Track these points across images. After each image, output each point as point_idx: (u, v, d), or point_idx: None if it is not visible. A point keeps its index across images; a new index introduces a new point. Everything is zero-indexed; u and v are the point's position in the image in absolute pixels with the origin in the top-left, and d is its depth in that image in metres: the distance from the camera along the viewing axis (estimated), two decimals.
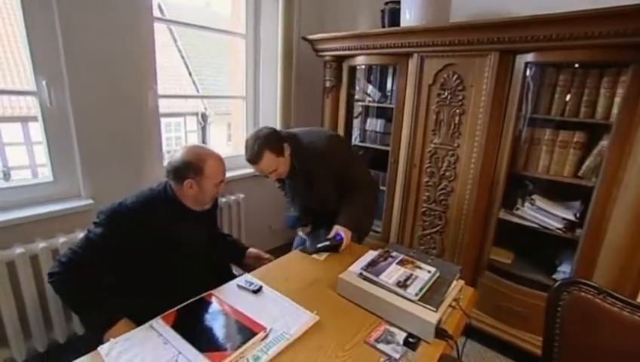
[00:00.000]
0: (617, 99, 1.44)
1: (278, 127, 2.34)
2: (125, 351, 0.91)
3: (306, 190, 1.58)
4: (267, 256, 1.48)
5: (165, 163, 1.23)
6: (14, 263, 1.41)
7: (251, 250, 1.49)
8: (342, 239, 1.45)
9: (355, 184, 1.56)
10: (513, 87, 1.67)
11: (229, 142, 7.39)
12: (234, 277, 1.33)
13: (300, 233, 1.58)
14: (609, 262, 1.47)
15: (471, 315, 1.15)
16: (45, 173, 1.64)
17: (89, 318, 1.10)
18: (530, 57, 1.59)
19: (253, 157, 1.37)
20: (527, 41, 1.52)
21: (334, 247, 1.44)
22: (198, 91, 7.54)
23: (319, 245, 1.44)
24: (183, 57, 7.54)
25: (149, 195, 1.20)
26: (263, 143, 1.35)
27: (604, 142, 1.50)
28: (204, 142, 7.75)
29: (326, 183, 1.54)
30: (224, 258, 1.49)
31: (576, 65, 1.55)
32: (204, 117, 7.67)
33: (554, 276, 1.74)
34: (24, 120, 5.55)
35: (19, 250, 1.41)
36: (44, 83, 1.49)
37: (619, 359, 0.94)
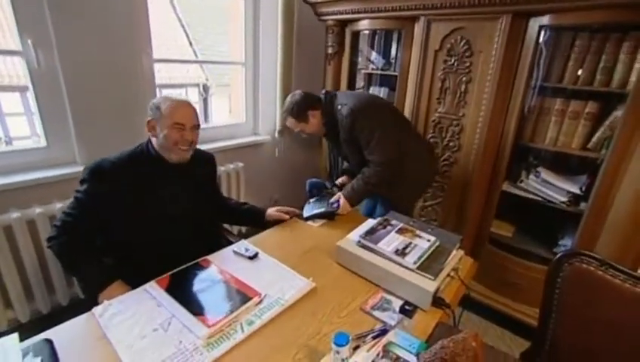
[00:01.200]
0: (637, 66, 1.36)
1: (278, 95, 2.30)
2: (119, 313, 0.91)
3: (337, 149, 1.74)
4: (289, 210, 1.47)
5: None
6: (12, 227, 1.41)
7: (270, 211, 1.46)
8: (337, 207, 1.46)
9: (370, 158, 1.53)
10: (524, 53, 1.58)
11: (232, 113, 7.28)
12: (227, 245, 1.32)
13: (310, 201, 1.57)
14: (612, 235, 1.45)
15: (469, 285, 1.13)
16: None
17: (85, 278, 1.10)
18: (545, 20, 1.48)
19: (281, 120, 1.65)
20: (543, 1, 1.42)
21: (328, 214, 1.45)
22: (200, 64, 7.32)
23: (313, 211, 1.45)
24: (182, 26, 7.28)
25: (132, 151, 1.20)
26: (287, 110, 1.59)
27: (617, 113, 1.43)
28: (205, 113, 7.63)
29: (349, 147, 1.61)
30: (244, 223, 1.54)
31: (595, 29, 1.45)
32: (205, 88, 7.51)
33: (555, 250, 1.72)
34: (23, 89, 5.45)
35: (15, 215, 1.41)
36: (29, 42, 1.42)
37: (617, 331, 0.93)
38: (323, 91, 1.67)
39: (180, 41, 7.23)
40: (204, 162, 1.37)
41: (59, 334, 0.83)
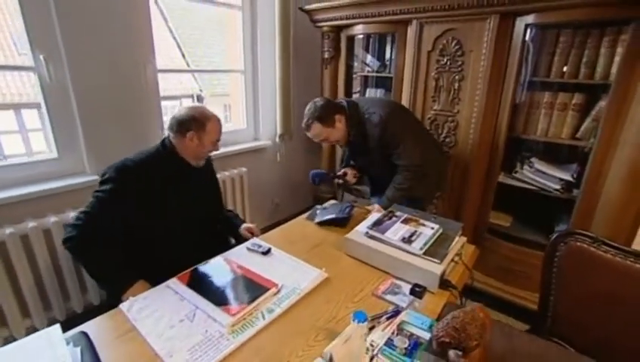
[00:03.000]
0: (617, 59, 1.45)
1: (278, 101, 2.37)
2: (145, 308, 0.96)
3: (362, 157, 1.71)
4: (254, 232, 1.45)
5: (169, 117, 1.29)
6: (28, 236, 1.45)
7: (242, 227, 1.48)
8: (348, 215, 1.47)
9: (400, 163, 1.54)
10: (513, 50, 1.67)
11: (226, 123, 7.34)
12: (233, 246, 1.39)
13: (317, 206, 1.59)
14: (604, 217, 1.52)
15: (473, 271, 1.20)
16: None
17: (108, 278, 1.14)
18: (530, 19, 1.58)
19: (305, 126, 1.53)
20: (527, 1, 1.51)
21: (340, 221, 1.45)
22: (192, 74, 7.39)
23: (325, 217, 1.46)
24: (174, 38, 7.36)
25: (149, 152, 1.27)
26: (313, 114, 1.49)
27: (602, 103, 1.52)
28: None
29: (377, 154, 1.58)
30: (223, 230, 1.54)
31: (577, 26, 1.54)
32: (199, 99, 7.57)
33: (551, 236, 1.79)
34: (16, 107, 5.48)
35: (31, 224, 1.45)
36: (41, 57, 1.48)
37: (612, 303, 1.00)
38: (342, 99, 1.65)
39: (172, 53, 7.31)
40: (207, 164, 1.45)
41: (90, 328, 0.88)
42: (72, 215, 1.55)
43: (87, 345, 0.78)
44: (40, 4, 1.43)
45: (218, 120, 1.29)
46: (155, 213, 1.21)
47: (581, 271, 1.04)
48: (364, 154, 1.64)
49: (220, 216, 1.52)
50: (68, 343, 0.74)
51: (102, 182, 1.18)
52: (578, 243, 1.04)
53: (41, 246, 1.49)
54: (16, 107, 5.44)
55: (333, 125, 1.52)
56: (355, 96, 2.42)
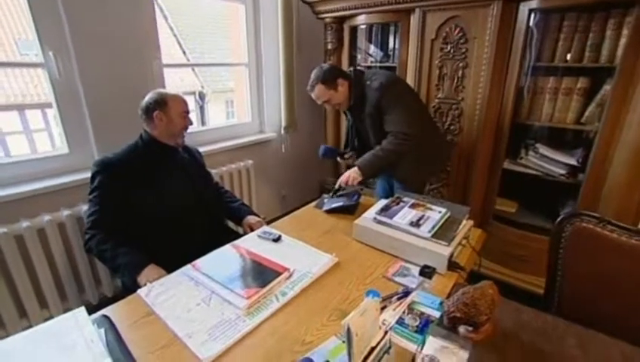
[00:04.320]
0: (623, 41, 1.45)
1: (282, 93, 2.39)
2: (162, 293, 0.99)
3: (358, 124, 1.75)
4: (253, 226, 1.46)
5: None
6: (44, 230, 1.49)
7: (246, 219, 1.50)
8: (356, 203, 1.49)
9: (390, 130, 1.57)
10: (516, 36, 1.67)
11: (228, 120, 7.35)
12: (237, 234, 1.46)
13: (325, 195, 1.61)
14: (610, 200, 1.54)
15: (480, 256, 1.22)
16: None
17: (122, 265, 1.18)
18: (534, 4, 1.58)
19: (310, 87, 1.62)
20: None
21: (348, 208, 1.47)
22: (193, 70, 7.39)
23: (333, 205, 1.48)
24: (175, 35, 7.35)
25: (127, 147, 1.35)
26: (318, 77, 1.58)
27: (607, 87, 1.52)
28: (203, 120, 7.70)
29: (372, 121, 1.63)
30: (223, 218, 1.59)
31: (581, 9, 1.54)
32: (201, 95, 7.58)
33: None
34: (20, 108, 5.53)
35: (47, 218, 1.49)
36: (51, 54, 1.50)
37: (618, 283, 1.02)
38: (350, 68, 1.73)
39: (173, 50, 7.31)
40: (192, 151, 1.54)
41: (110, 313, 0.91)
42: (84, 208, 1.59)
43: (110, 326, 0.81)
44: (49, 2, 1.45)
45: (178, 95, 1.37)
46: (148, 196, 1.27)
47: (587, 251, 1.06)
48: (362, 121, 1.68)
49: (218, 200, 1.57)
50: (92, 324, 0.78)
51: (91, 181, 1.27)
52: (584, 224, 1.06)
53: (57, 239, 1.53)
54: (20, 108, 5.50)
55: (336, 88, 1.58)
56: None
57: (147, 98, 1.33)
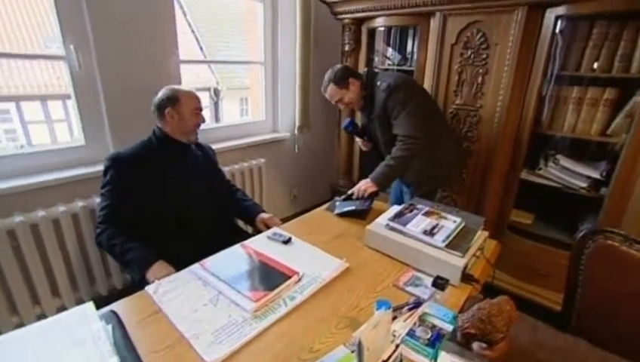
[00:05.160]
0: None
1: (297, 93, 2.39)
2: (170, 291, 0.98)
3: (369, 124, 1.78)
4: (269, 224, 1.43)
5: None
6: (59, 220, 1.51)
7: (260, 217, 1.48)
8: (368, 207, 1.47)
9: (397, 132, 1.58)
10: (541, 43, 1.62)
11: (242, 117, 7.40)
12: (247, 233, 1.48)
13: (337, 198, 1.60)
14: (636, 216, 1.47)
15: (494, 268, 1.18)
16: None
17: (132, 261, 1.18)
18: (561, 10, 1.52)
19: (323, 88, 1.69)
20: None
21: (360, 213, 1.45)
22: (209, 66, 7.46)
23: (344, 209, 1.46)
24: (193, 32, 7.44)
25: (141, 143, 1.35)
26: (330, 77, 1.64)
27: (638, 98, 1.46)
28: (217, 117, 7.78)
29: (380, 123, 1.67)
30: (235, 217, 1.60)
31: (612, 17, 1.48)
32: (216, 92, 7.64)
33: (575, 235, 1.74)
34: (43, 98, 5.68)
35: (61, 208, 1.51)
36: (72, 47, 1.52)
37: None
38: (365, 69, 1.77)
39: (191, 46, 7.40)
40: (205, 148, 1.54)
41: (118, 308, 0.90)
42: (97, 201, 1.61)
43: (118, 323, 0.81)
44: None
45: (191, 91, 1.36)
46: (160, 192, 1.28)
47: (610, 269, 1.02)
48: (371, 121, 1.72)
49: (229, 198, 1.56)
50: (100, 320, 0.77)
51: (103, 175, 1.27)
52: (608, 242, 1.01)
53: (70, 229, 1.55)
54: (43, 98, 5.65)
55: (347, 87, 1.63)
56: None
57: (160, 94, 1.33)
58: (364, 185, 1.56)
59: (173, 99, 1.31)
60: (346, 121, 1.84)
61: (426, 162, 1.65)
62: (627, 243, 1.00)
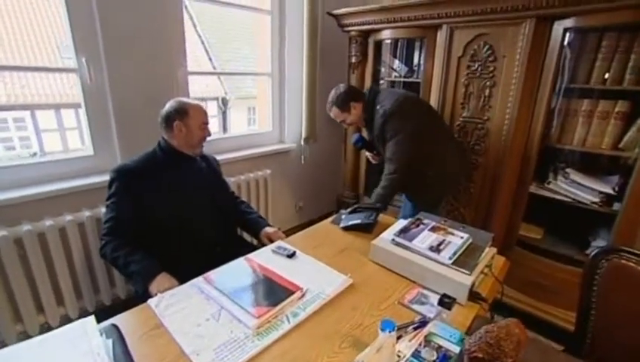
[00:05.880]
0: None
1: (304, 104, 2.40)
2: (172, 304, 0.97)
3: (372, 140, 1.84)
4: (272, 238, 1.43)
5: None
6: (65, 229, 1.52)
7: (265, 231, 1.47)
8: (374, 221, 1.46)
9: (387, 157, 1.67)
10: (549, 55, 1.60)
11: (249, 126, 7.46)
12: (251, 245, 1.48)
13: (342, 211, 1.59)
14: None
15: (502, 284, 1.15)
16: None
17: (135, 272, 1.18)
18: (569, 22, 1.51)
19: (327, 107, 1.77)
20: (567, 4, 1.45)
21: (365, 226, 1.43)
22: (218, 78, 7.57)
23: (350, 223, 1.45)
24: (203, 43, 7.58)
25: (145, 155, 1.36)
26: (333, 100, 1.74)
27: None
28: (224, 126, 7.86)
29: (379, 143, 1.74)
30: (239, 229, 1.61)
31: (623, 29, 1.46)
32: (224, 101, 7.73)
33: (587, 251, 1.70)
34: (57, 107, 5.83)
35: (68, 218, 1.53)
36: (84, 60, 1.56)
37: None
38: (368, 88, 1.83)
39: (200, 56, 7.54)
40: (209, 159, 1.54)
41: (120, 321, 0.90)
42: (104, 210, 1.62)
43: (118, 337, 0.80)
44: (85, 12, 1.52)
45: (199, 105, 1.37)
46: (164, 204, 1.28)
47: (626, 291, 0.98)
48: (372, 139, 1.80)
49: (233, 210, 1.56)
50: (101, 334, 0.77)
51: (108, 187, 1.28)
52: (623, 261, 0.98)
53: (76, 239, 1.56)
54: (57, 107, 5.80)
55: (349, 111, 1.72)
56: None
57: (168, 106, 1.34)
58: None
59: (182, 112, 1.32)
60: (355, 136, 1.90)
61: (425, 181, 1.71)
62: None
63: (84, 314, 1.67)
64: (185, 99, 1.37)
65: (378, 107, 1.66)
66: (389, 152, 1.64)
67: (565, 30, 1.53)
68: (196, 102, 1.38)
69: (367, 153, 1.95)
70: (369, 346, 0.56)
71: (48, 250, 1.49)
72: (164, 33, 1.76)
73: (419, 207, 1.63)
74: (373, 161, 1.95)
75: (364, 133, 2.04)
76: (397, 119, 1.60)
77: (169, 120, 1.32)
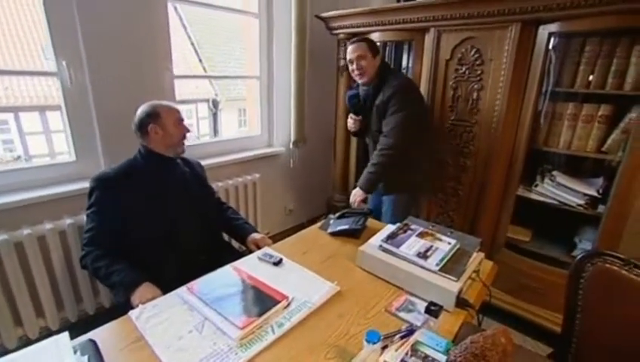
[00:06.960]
0: None
1: (292, 107, 2.38)
2: (154, 316, 0.95)
3: (366, 111, 1.82)
4: (260, 244, 1.41)
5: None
6: (45, 238, 1.47)
7: (251, 237, 1.45)
8: (362, 226, 1.45)
9: (384, 130, 1.68)
10: (535, 59, 1.61)
11: (240, 128, 7.41)
12: (237, 251, 1.45)
13: (331, 216, 1.57)
14: (635, 235, 1.44)
15: (490, 288, 1.14)
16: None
17: (116, 283, 1.14)
18: (554, 27, 1.52)
19: (357, 40, 1.75)
20: (551, 9, 1.46)
21: (353, 232, 1.42)
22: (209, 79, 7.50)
23: (338, 228, 1.43)
24: (192, 44, 7.51)
25: (127, 161, 1.33)
26: (365, 38, 1.77)
27: (632, 115, 1.45)
28: (215, 128, 7.80)
29: (377, 113, 1.73)
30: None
31: (605, 34, 1.48)
32: (215, 103, 7.66)
33: (574, 253, 1.71)
34: (42, 109, 5.70)
35: (48, 226, 1.48)
36: (64, 63, 1.51)
37: None
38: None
39: (189, 58, 7.47)
40: (193, 164, 1.50)
41: (99, 335, 0.87)
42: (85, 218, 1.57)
43: (95, 353, 0.77)
44: (64, 14, 1.47)
45: (169, 104, 1.34)
46: (146, 211, 1.24)
47: (610, 294, 0.98)
48: (369, 108, 1.78)
49: (218, 215, 1.53)
50: (75, 351, 0.74)
51: (89, 197, 1.24)
52: (607, 265, 0.98)
53: (57, 247, 1.52)
54: (42, 109, 5.67)
55: (374, 56, 1.72)
56: None
57: (138, 113, 1.30)
58: (355, 197, 1.73)
59: (154, 115, 1.28)
60: (352, 90, 1.85)
61: (404, 170, 1.75)
62: (627, 267, 0.96)
63: (65, 324, 1.62)
64: (154, 102, 1.33)
65: (392, 76, 1.71)
66: (389, 126, 1.65)
67: (550, 35, 1.54)
68: (166, 102, 1.35)
69: (352, 116, 1.86)
70: (353, 359, 0.55)
71: (27, 259, 1.44)
72: (148, 37, 1.73)
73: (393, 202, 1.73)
74: (353, 128, 1.89)
75: (352, 140, 2.04)
76: (406, 94, 1.66)
77: (142, 126, 1.28)
